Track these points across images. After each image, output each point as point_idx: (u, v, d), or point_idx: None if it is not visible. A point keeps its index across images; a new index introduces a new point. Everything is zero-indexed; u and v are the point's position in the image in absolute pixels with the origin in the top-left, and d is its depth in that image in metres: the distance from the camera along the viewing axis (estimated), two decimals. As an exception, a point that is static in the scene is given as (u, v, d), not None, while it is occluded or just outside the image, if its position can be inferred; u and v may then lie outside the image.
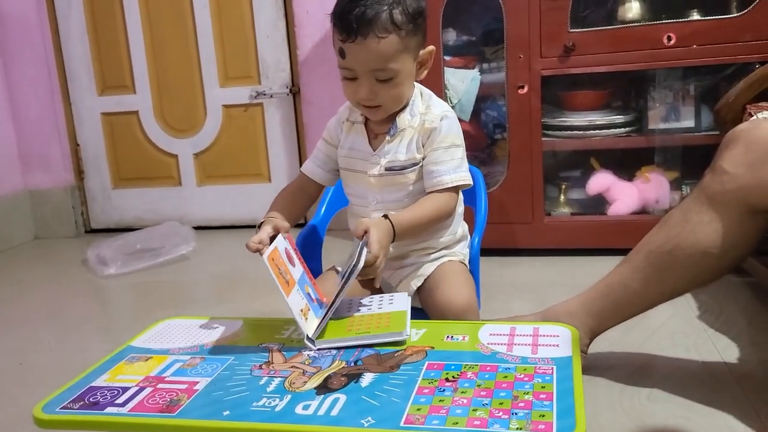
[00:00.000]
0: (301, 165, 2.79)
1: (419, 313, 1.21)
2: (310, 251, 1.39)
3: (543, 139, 2.11)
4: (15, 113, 2.91)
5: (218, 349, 1.01)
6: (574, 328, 0.97)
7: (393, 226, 1.08)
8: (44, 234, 2.99)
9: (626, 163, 2.18)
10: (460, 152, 1.17)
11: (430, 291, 1.15)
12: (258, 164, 2.85)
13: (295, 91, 2.73)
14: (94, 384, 0.92)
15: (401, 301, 1.06)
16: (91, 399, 0.87)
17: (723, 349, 1.43)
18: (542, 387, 0.81)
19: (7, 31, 2.83)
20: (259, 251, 1.03)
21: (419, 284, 1.19)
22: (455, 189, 1.16)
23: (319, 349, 0.97)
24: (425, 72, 1.17)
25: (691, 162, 2.13)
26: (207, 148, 2.88)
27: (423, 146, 1.16)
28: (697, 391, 1.26)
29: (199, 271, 2.39)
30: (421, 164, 1.16)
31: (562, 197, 2.23)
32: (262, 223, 1.13)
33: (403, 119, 1.17)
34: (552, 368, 0.86)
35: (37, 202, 2.96)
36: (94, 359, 1.67)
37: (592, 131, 2.12)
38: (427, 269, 1.19)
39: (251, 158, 2.85)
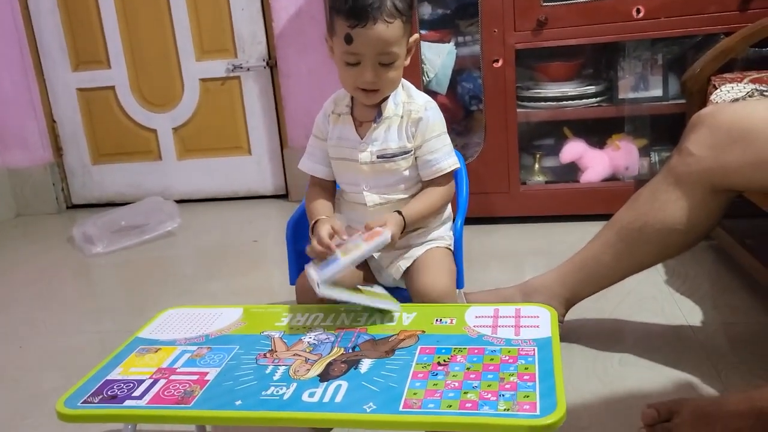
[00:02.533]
0: (281, 137, 2.84)
1: (405, 293, 1.29)
2: (301, 233, 1.45)
3: (518, 110, 2.17)
4: (-11, 91, 2.89)
5: (223, 338, 1.08)
6: (553, 309, 1.06)
7: (405, 221, 1.19)
8: (26, 211, 3.00)
9: (597, 131, 2.26)
10: (448, 139, 1.26)
11: (414, 276, 1.24)
12: (237, 137, 2.88)
13: (272, 64, 2.74)
14: (109, 377, 0.98)
15: (381, 289, 1.19)
16: (109, 392, 0.94)
17: (688, 313, 1.54)
18: (525, 368, 0.90)
19: (-26, 8, 2.79)
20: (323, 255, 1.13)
21: (407, 265, 1.26)
22: (451, 174, 1.26)
23: (322, 296, 1.07)
24: (409, 58, 1.24)
25: (659, 130, 2.22)
26: (186, 122, 2.89)
27: (412, 136, 1.23)
28: (664, 354, 1.37)
29: (186, 247, 2.45)
30: (412, 153, 1.24)
31: (536, 166, 2.31)
32: (316, 223, 1.20)
33: (388, 107, 1.24)
34: (534, 349, 0.95)
35: (17, 180, 2.96)
36: (91, 341, 1.74)
37: (564, 102, 2.19)
38: (416, 252, 1.27)
39: (230, 131, 2.88)
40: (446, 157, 1.24)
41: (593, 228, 1.42)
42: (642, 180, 2.16)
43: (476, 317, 1.06)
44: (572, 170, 2.27)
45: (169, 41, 2.80)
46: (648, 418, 1.01)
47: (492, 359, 0.93)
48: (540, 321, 1.03)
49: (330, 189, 1.34)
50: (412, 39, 1.21)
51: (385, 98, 1.24)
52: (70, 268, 2.34)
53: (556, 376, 0.88)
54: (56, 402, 0.92)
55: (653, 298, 1.63)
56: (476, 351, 0.96)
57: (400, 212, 1.19)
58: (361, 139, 1.25)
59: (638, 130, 2.23)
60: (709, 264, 1.81)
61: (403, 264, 1.27)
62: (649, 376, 1.30)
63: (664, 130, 2.19)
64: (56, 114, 2.95)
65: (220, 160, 2.91)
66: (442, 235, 1.32)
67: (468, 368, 0.91)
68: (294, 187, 2.83)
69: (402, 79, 1.27)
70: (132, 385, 0.96)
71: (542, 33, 2.07)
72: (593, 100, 2.19)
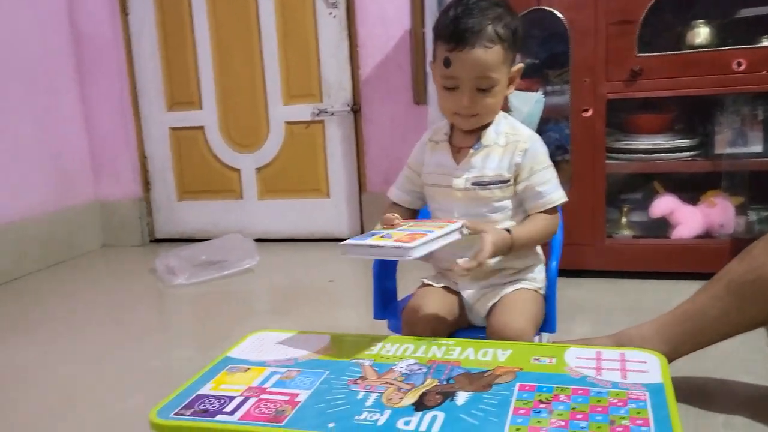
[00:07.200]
0: (359, 181, 2.86)
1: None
2: (385, 270, 1.43)
3: (606, 162, 2.13)
4: (89, 127, 3.05)
5: (312, 362, 1.06)
6: (662, 355, 0.99)
7: (512, 240, 1.16)
8: (111, 242, 3.11)
9: (690, 187, 2.18)
10: (555, 172, 1.24)
11: (495, 313, 1.20)
12: (317, 180, 2.92)
13: (356, 109, 2.80)
14: (201, 392, 0.97)
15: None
16: (200, 406, 0.93)
17: (797, 378, 1.43)
18: (638, 412, 0.84)
19: (84, 50, 2.98)
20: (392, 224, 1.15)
21: (494, 302, 1.22)
22: (556, 208, 1.23)
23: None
24: (512, 88, 1.23)
25: (758, 187, 2.12)
26: (269, 163, 2.96)
27: (516, 166, 1.20)
28: (774, 419, 1.26)
29: (263, 284, 2.46)
30: (509, 183, 1.21)
31: (623, 219, 2.24)
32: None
33: (489, 136, 1.22)
34: (645, 394, 0.89)
35: (107, 212, 3.09)
36: (167, 366, 1.74)
37: (656, 155, 2.13)
38: (505, 290, 1.23)
39: (311, 174, 2.93)
40: (555, 190, 1.22)
41: (685, 286, 1.35)
42: (739, 239, 2.07)
43: (577, 358, 1.01)
44: (662, 226, 2.18)
45: (259, 85, 2.90)
46: None
47: (599, 401, 0.87)
48: (648, 366, 0.97)
49: (406, 216, 1.31)
50: (515, 68, 1.20)
51: (485, 125, 1.23)
52: (152, 297, 2.38)
53: (674, 423, 0.81)
54: (149, 412, 0.92)
55: (755, 361, 1.52)
56: (581, 392, 0.90)
57: (508, 230, 1.16)
58: (458, 165, 1.23)
59: (735, 187, 2.14)
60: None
61: (491, 302, 1.23)
62: (759, 442, 1.20)
63: (764, 188, 2.09)
64: (148, 151, 3.08)
65: (298, 202, 2.96)
66: (535, 276, 1.28)
67: (573, 408, 0.86)
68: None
69: (504, 113, 1.26)
70: (224, 401, 0.94)
71: (635, 84, 2.04)
72: (687, 154, 2.12)
